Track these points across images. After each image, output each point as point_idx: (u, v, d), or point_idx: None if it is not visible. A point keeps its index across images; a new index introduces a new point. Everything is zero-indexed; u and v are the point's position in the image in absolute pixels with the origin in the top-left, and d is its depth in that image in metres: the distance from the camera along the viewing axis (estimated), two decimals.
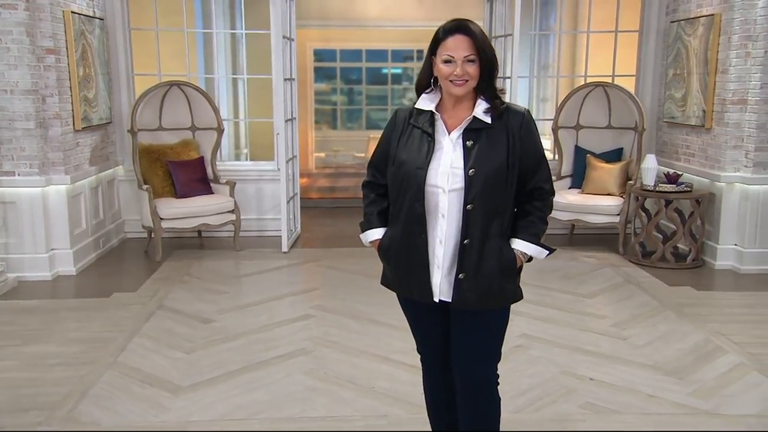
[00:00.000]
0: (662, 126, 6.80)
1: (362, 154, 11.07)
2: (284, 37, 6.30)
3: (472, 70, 2.22)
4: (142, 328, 4.38)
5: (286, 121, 6.40)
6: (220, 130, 6.65)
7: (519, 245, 2.33)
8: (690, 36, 6.15)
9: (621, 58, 6.98)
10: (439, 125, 2.31)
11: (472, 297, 2.28)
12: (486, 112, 2.27)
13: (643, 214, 6.00)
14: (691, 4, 6.22)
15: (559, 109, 6.79)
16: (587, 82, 6.86)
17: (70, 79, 5.64)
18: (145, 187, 6.05)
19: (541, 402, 3.35)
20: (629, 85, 6.86)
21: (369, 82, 11.10)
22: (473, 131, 2.27)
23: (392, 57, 11.05)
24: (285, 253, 6.30)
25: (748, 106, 5.55)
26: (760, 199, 5.56)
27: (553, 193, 2.38)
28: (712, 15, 5.75)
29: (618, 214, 6.19)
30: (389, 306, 4.75)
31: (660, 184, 5.85)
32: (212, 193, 6.44)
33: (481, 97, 2.29)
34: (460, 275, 2.27)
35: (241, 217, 6.45)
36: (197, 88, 6.67)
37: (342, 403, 3.39)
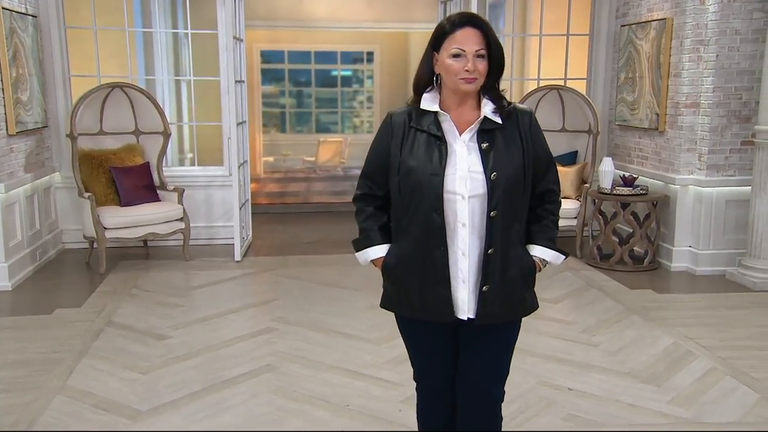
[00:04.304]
0: (614, 129, 6.87)
1: (312, 158, 10.87)
2: (234, 37, 6.05)
3: (482, 66, 2.07)
4: (91, 347, 4.08)
5: (237, 124, 6.14)
6: (166, 135, 6.34)
7: (538, 252, 2.22)
8: (641, 40, 6.22)
9: (570, 61, 7.02)
10: (448, 127, 2.13)
11: (498, 310, 2.15)
12: (494, 112, 2.12)
13: (600, 217, 6.03)
14: (641, 8, 6.29)
15: None
16: (540, 85, 6.87)
17: (2, 81, 5.25)
18: (86, 194, 5.69)
19: (524, 416, 3.25)
20: (580, 88, 6.91)
21: (318, 84, 10.91)
22: (486, 132, 2.12)
23: (342, 59, 10.89)
24: (238, 262, 6.05)
25: (700, 109, 5.64)
26: (713, 202, 5.65)
27: (560, 195, 2.29)
28: (664, 19, 5.82)
29: (575, 218, 6.20)
30: (354, 317, 4.63)
31: (616, 187, 5.88)
32: (159, 200, 6.13)
33: (486, 96, 2.13)
34: (485, 288, 2.12)
35: (191, 225, 6.16)
36: (141, 90, 6.34)
37: (317, 424, 3.20)
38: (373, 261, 2.28)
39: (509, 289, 2.15)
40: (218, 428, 3.17)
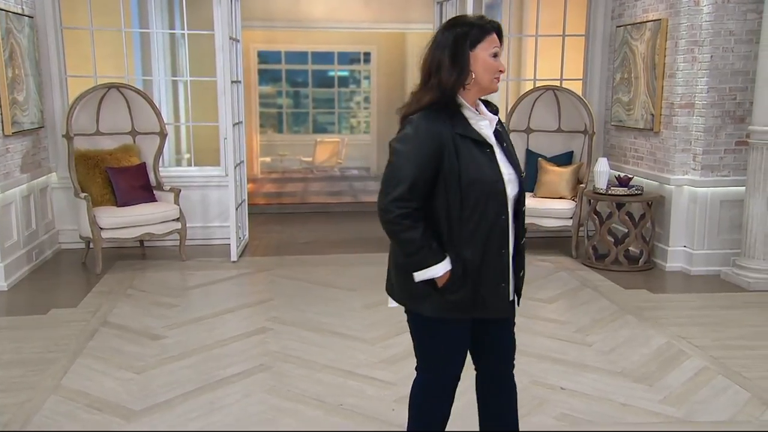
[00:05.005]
0: (610, 129, 6.88)
1: (309, 158, 10.87)
2: (230, 38, 6.06)
3: None
4: (85, 347, 4.09)
5: (234, 125, 6.16)
6: (162, 135, 6.35)
7: None
8: (637, 40, 6.23)
9: (566, 61, 7.03)
10: (485, 129, 2.23)
11: (521, 293, 2.39)
12: (492, 111, 2.28)
13: (596, 217, 6.04)
14: (636, 9, 6.31)
15: (510, 113, 6.78)
16: (536, 85, 6.88)
17: None
18: (83, 195, 5.70)
19: None
20: (576, 88, 6.92)
21: (315, 84, 10.92)
22: (498, 133, 2.27)
23: (339, 59, 10.90)
24: (234, 262, 6.05)
25: (695, 110, 5.65)
26: (708, 202, 5.67)
27: None
28: (659, 20, 5.84)
29: (571, 218, 6.22)
30: (349, 317, 4.64)
31: (612, 188, 5.90)
32: (155, 200, 6.14)
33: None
34: (522, 273, 2.35)
35: (187, 225, 6.16)
36: (138, 91, 6.35)
37: (310, 423, 3.21)
38: (441, 276, 2.20)
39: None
40: (211, 428, 3.18)
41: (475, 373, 2.52)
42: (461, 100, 2.20)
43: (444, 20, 6.70)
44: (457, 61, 2.14)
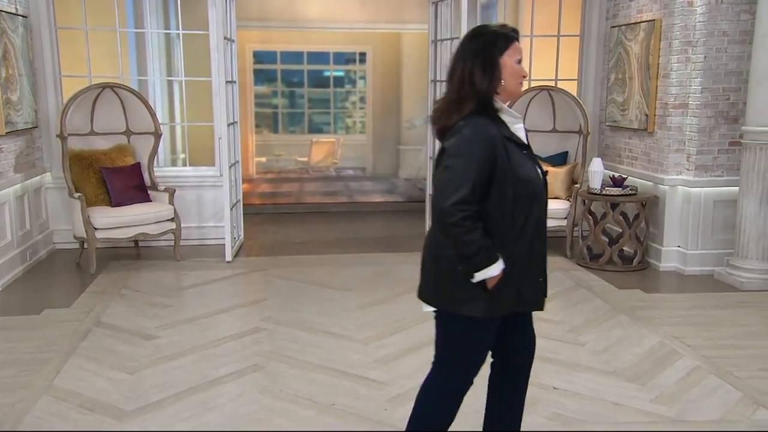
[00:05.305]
0: (604, 130, 6.89)
1: (305, 159, 10.88)
2: (225, 38, 6.05)
3: None
4: (78, 348, 4.08)
5: (229, 125, 6.15)
6: (157, 135, 6.34)
7: None
8: (631, 41, 6.24)
9: (561, 62, 7.04)
10: (521, 132, 2.34)
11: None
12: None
13: (590, 217, 6.05)
14: (631, 10, 6.32)
15: None
16: (531, 86, 6.88)
17: None
18: (77, 195, 5.69)
19: None
20: (571, 89, 6.93)
21: (311, 84, 10.93)
22: (527, 135, 2.43)
23: (334, 59, 10.91)
24: (229, 262, 6.05)
25: (689, 110, 5.67)
26: (701, 202, 5.68)
27: None
28: (653, 20, 5.85)
29: (565, 218, 6.22)
30: (343, 317, 4.64)
31: (606, 188, 5.91)
32: (150, 200, 6.13)
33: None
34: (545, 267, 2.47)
35: (181, 225, 6.16)
36: (132, 91, 6.34)
37: (302, 423, 3.21)
38: (497, 274, 2.27)
39: None
40: (203, 428, 3.18)
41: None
42: (500, 104, 2.32)
43: (439, 20, 6.76)
44: (488, 70, 2.26)
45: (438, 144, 2.39)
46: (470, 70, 2.25)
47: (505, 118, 2.31)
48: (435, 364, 2.51)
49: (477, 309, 2.30)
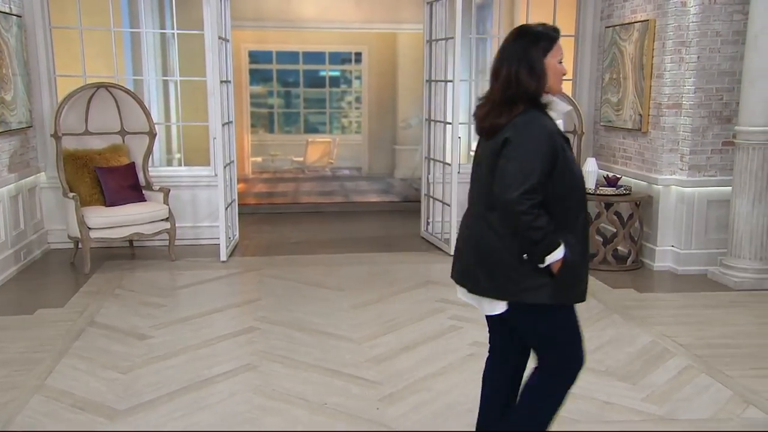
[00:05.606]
0: (599, 129, 6.91)
1: (300, 158, 10.87)
2: (219, 37, 6.06)
3: None
4: (71, 347, 4.08)
5: (223, 124, 6.16)
6: (152, 135, 6.34)
7: None
8: (625, 41, 6.26)
9: None
10: (562, 128, 2.48)
11: None
12: None
13: None
14: (625, 10, 6.34)
15: None
16: None
17: None
18: (71, 194, 5.69)
19: None
20: (565, 88, 6.94)
21: (307, 84, 10.93)
22: None
23: (330, 59, 10.92)
24: (224, 262, 6.05)
25: (682, 110, 5.68)
26: (695, 202, 5.69)
27: None
28: (647, 21, 5.87)
29: None
30: (337, 317, 4.65)
31: (600, 188, 5.92)
32: (144, 200, 6.13)
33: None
34: None
35: (176, 225, 6.16)
36: (127, 91, 6.34)
37: (293, 422, 3.22)
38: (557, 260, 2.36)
39: None
40: (194, 427, 3.18)
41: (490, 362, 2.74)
42: (548, 98, 2.39)
43: (434, 20, 6.77)
44: (534, 70, 2.32)
45: (467, 140, 2.54)
46: (516, 71, 2.32)
47: (552, 114, 2.39)
48: (545, 364, 2.52)
49: (543, 295, 2.35)
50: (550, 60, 2.35)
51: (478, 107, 2.46)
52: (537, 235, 2.28)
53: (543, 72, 2.33)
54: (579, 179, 2.40)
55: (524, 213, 2.25)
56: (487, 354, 2.79)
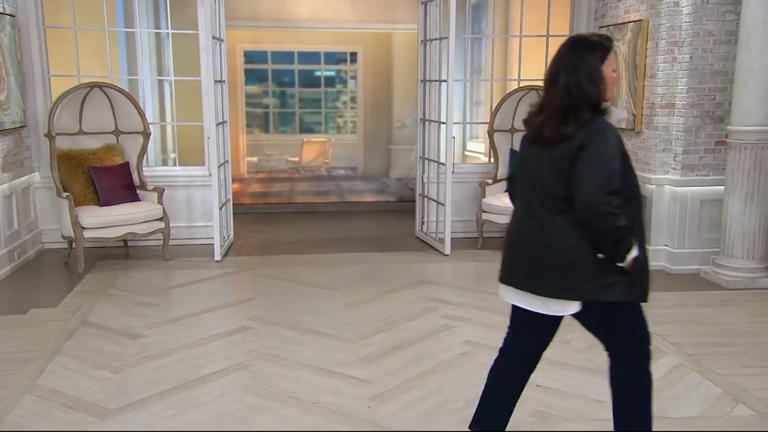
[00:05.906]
0: None
1: (296, 158, 10.88)
2: (214, 37, 6.06)
3: None
4: (63, 347, 4.08)
5: (218, 124, 6.16)
6: (146, 135, 6.34)
7: None
8: (619, 41, 6.27)
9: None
10: None
11: None
12: None
13: None
14: (618, 10, 6.35)
15: (494, 113, 6.81)
16: (521, 85, 6.91)
17: None
18: (65, 194, 5.69)
19: None
20: None
21: (302, 84, 10.94)
22: None
23: (325, 59, 10.93)
24: (218, 261, 6.06)
25: (675, 110, 5.70)
26: (688, 201, 5.71)
27: None
28: (640, 21, 5.88)
29: None
30: (331, 316, 4.65)
31: None
32: (139, 200, 6.13)
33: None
34: None
35: (170, 224, 6.16)
36: (121, 90, 6.34)
37: (284, 421, 3.22)
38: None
39: None
40: (185, 427, 3.18)
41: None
42: (605, 106, 2.45)
43: (428, 20, 6.77)
44: (594, 79, 2.41)
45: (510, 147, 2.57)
46: (577, 80, 2.40)
47: (610, 120, 2.46)
48: (619, 354, 2.65)
49: (618, 292, 2.44)
50: (605, 68, 2.43)
51: (530, 114, 2.53)
52: (620, 234, 2.37)
53: (602, 80, 2.41)
54: (638, 182, 2.49)
55: (611, 214, 2.35)
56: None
